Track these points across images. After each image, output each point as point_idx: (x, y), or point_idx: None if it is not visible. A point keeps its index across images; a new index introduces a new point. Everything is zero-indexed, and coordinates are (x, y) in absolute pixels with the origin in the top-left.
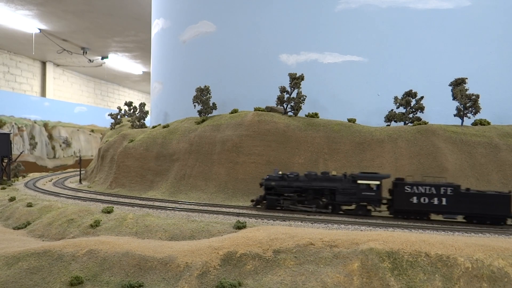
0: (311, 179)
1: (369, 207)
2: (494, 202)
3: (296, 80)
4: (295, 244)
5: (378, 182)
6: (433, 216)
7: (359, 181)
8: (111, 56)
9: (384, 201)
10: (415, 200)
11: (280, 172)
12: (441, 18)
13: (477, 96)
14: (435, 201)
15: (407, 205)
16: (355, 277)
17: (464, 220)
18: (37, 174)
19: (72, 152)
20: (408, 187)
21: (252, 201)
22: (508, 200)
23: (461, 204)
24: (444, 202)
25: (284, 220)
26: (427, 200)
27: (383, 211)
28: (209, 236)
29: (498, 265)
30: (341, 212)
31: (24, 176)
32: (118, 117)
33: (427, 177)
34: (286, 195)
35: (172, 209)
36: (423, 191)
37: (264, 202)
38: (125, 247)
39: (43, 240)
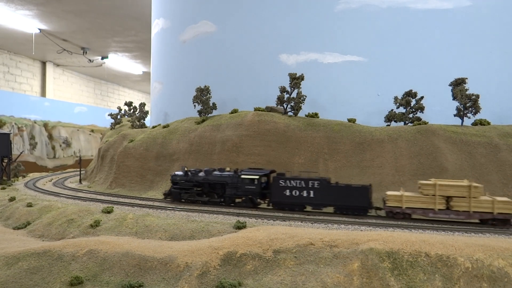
0: (208, 174)
1: (259, 200)
2: (356, 194)
3: (296, 80)
4: (295, 244)
5: (257, 177)
6: (307, 208)
7: (243, 176)
8: (111, 56)
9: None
10: (288, 193)
11: (186, 169)
12: (441, 18)
13: (477, 96)
14: (305, 193)
15: (282, 198)
16: (355, 277)
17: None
18: (37, 174)
19: (72, 152)
20: (282, 181)
21: (164, 194)
22: (367, 192)
23: (328, 196)
24: (312, 195)
25: (284, 220)
26: (297, 193)
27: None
28: (209, 236)
29: (498, 265)
30: (232, 204)
31: (24, 176)
32: (118, 117)
33: (303, 172)
34: (188, 189)
35: (172, 209)
36: (294, 184)
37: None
38: (125, 247)
39: (43, 240)
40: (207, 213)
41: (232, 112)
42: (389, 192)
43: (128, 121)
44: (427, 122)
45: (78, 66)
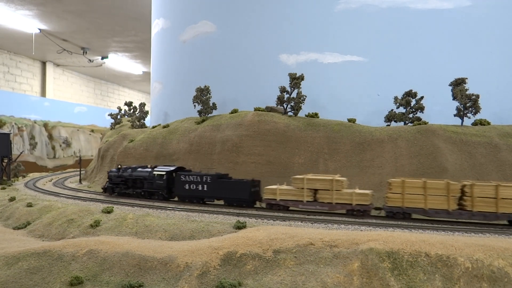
0: (133, 171)
1: (174, 193)
2: (239, 188)
3: (296, 80)
4: (295, 244)
5: (164, 173)
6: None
7: (154, 173)
8: (111, 56)
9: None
10: (187, 187)
11: (119, 166)
12: (441, 18)
13: (477, 96)
14: (200, 187)
15: (183, 191)
16: (355, 277)
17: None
18: (37, 174)
19: (72, 152)
20: (182, 177)
21: (102, 188)
22: (248, 186)
23: (218, 190)
24: (205, 188)
25: (284, 220)
26: (195, 187)
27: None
28: (209, 236)
29: (498, 265)
30: (149, 197)
31: (24, 176)
32: (118, 117)
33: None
34: (118, 184)
35: (172, 209)
36: (192, 179)
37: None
38: (125, 247)
39: (43, 240)
40: (207, 213)
41: (232, 112)
42: (267, 186)
43: (128, 121)
44: (427, 122)
45: (78, 66)
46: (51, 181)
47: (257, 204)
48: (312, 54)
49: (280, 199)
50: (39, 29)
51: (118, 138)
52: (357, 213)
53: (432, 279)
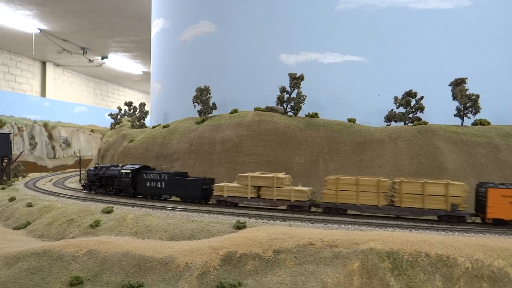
0: (107, 170)
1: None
2: (192, 185)
3: (296, 80)
4: (295, 244)
5: (129, 171)
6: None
7: (121, 171)
8: (111, 56)
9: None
10: (148, 184)
11: (97, 165)
12: (441, 18)
13: (477, 96)
14: (158, 185)
15: (144, 188)
16: (355, 277)
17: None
18: (37, 174)
19: (72, 152)
20: (144, 174)
21: (81, 185)
22: (199, 184)
23: (173, 187)
24: (163, 186)
25: (284, 220)
26: (154, 184)
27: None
28: (209, 236)
29: (498, 265)
30: (123, 194)
31: (24, 176)
32: (118, 117)
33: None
34: (94, 181)
35: (172, 209)
36: (152, 177)
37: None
38: (125, 247)
39: (43, 240)
40: (207, 213)
41: (232, 112)
42: (216, 184)
43: (128, 121)
44: (427, 122)
45: (78, 66)
46: (51, 181)
47: (210, 201)
48: (312, 54)
49: (228, 196)
50: (39, 29)
51: (118, 138)
52: (296, 209)
53: (432, 279)
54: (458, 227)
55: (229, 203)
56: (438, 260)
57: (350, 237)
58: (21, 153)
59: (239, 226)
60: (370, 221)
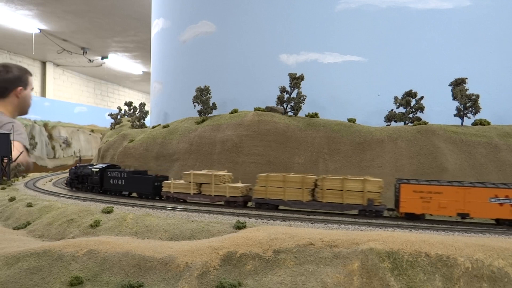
0: (84, 168)
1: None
2: (145, 182)
3: (296, 80)
4: (295, 244)
5: (97, 170)
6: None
7: (92, 169)
8: (111, 56)
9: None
10: (111, 181)
11: (77, 164)
12: (441, 18)
13: (477, 96)
14: (120, 182)
15: (109, 185)
16: (355, 277)
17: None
18: (37, 174)
19: (72, 152)
20: (109, 172)
21: (64, 183)
22: (151, 181)
23: (131, 184)
24: (123, 183)
25: (284, 220)
26: (116, 181)
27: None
28: (209, 236)
29: (498, 265)
30: (94, 190)
31: (24, 176)
32: (118, 117)
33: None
34: (74, 179)
35: (172, 209)
36: (114, 175)
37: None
38: (125, 247)
39: (43, 240)
40: (207, 213)
41: (232, 112)
42: (165, 181)
43: (128, 121)
44: (427, 122)
45: (78, 66)
46: (51, 181)
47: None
48: (312, 54)
49: (174, 192)
50: (39, 29)
51: (118, 138)
52: (232, 204)
53: (432, 279)
54: (458, 227)
55: (175, 199)
56: (438, 260)
57: (350, 237)
58: (21, 153)
59: (239, 226)
60: (370, 221)
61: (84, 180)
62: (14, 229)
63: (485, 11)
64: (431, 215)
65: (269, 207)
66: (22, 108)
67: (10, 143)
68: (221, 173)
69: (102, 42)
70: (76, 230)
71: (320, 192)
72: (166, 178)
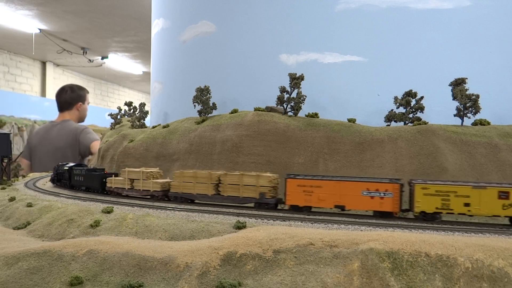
0: (63, 166)
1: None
2: (95, 178)
3: (296, 80)
4: (295, 244)
5: (67, 168)
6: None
7: (64, 168)
8: (111, 56)
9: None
10: (76, 178)
11: (59, 164)
12: (441, 18)
13: (477, 96)
14: (80, 178)
15: (74, 182)
16: (355, 277)
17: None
18: (37, 174)
19: None
20: (74, 170)
21: (50, 180)
22: (99, 178)
23: (87, 180)
24: (82, 179)
25: (284, 220)
26: (79, 178)
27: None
28: (209, 236)
29: (498, 265)
30: (68, 187)
31: (24, 176)
32: (118, 117)
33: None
34: (54, 177)
35: (172, 209)
36: (78, 172)
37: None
38: (125, 247)
39: (43, 240)
40: (207, 213)
41: (232, 112)
42: (109, 178)
43: (128, 121)
44: (427, 122)
45: (78, 66)
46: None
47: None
48: (312, 54)
49: (114, 187)
50: (39, 29)
51: (118, 138)
52: (155, 197)
53: (432, 279)
54: (458, 227)
55: (115, 193)
56: (438, 260)
57: (350, 237)
58: (21, 153)
59: (239, 226)
60: (370, 221)
61: (60, 177)
62: (14, 229)
63: (485, 11)
64: (311, 207)
65: (183, 200)
66: (80, 118)
67: (10, 143)
68: (150, 170)
69: (102, 42)
70: (76, 230)
71: (222, 187)
72: (114, 175)
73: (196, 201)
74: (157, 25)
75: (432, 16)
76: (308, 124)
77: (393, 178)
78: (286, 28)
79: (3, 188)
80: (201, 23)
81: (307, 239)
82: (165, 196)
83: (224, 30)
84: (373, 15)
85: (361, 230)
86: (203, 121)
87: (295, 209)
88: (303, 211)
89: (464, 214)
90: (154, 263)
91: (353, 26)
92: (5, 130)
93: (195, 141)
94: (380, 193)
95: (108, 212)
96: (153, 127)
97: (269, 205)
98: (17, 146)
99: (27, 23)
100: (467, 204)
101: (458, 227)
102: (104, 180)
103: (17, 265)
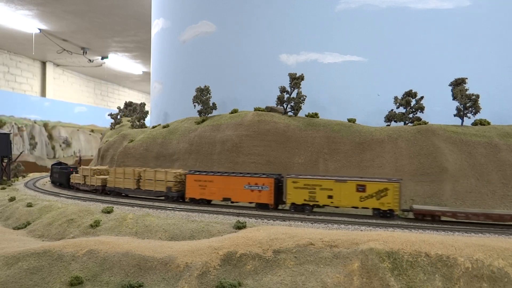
0: (53, 166)
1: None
2: (64, 175)
3: (296, 80)
4: (295, 244)
5: (52, 166)
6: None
7: (53, 166)
8: (111, 56)
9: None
10: (55, 175)
11: (56, 162)
12: (441, 18)
13: (477, 96)
14: (57, 175)
15: (55, 179)
16: (355, 277)
17: None
18: (37, 174)
19: (72, 152)
20: (55, 168)
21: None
22: (67, 175)
23: (60, 177)
24: (57, 176)
25: (284, 220)
26: (56, 175)
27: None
28: (209, 236)
29: (498, 265)
30: (55, 184)
31: (24, 176)
32: (118, 117)
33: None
34: (55, 175)
35: (172, 209)
36: (56, 170)
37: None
38: (125, 247)
39: (43, 240)
40: (207, 213)
41: (232, 112)
42: (72, 174)
43: (128, 121)
44: (427, 122)
45: (78, 66)
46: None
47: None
48: (312, 54)
49: (74, 182)
50: (39, 29)
51: (118, 138)
52: (97, 191)
53: (432, 279)
54: (458, 227)
55: (75, 188)
56: (438, 260)
57: (350, 237)
58: (21, 153)
59: (239, 226)
60: (370, 221)
61: (50, 174)
62: (14, 229)
63: (485, 11)
64: (208, 200)
65: (115, 193)
66: None
67: (10, 143)
68: (98, 167)
69: (102, 42)
70: (76, 230)
71: (142, 182)
72: (69, 172)
73: (123, 194)
74: (157, 25)
75: (432, 16)
76: (308, 124)
77: (275, 173)
78: (286, 28)
79: (3, 188)
80: (201, 23)
81: (307, 239)
82: (103, 190)
83: (224, 30)
84: (373, 15)
85: (361, 230)
86: (203, 121)
87: (193, 201)
88: (199, 203)
89: (328, 205)
90: (154, 263)
91: (353, 26)
92: (5, 130)
93: (195, 141)
94: (258, 187)
95: (108, 212)
96: (153, 127)
97: (173, 197)
98: (17, 146)
99: (27, 23)
100: (330, 197)
101: (458, 227)
102: (69, 177)
103: (17, 265)
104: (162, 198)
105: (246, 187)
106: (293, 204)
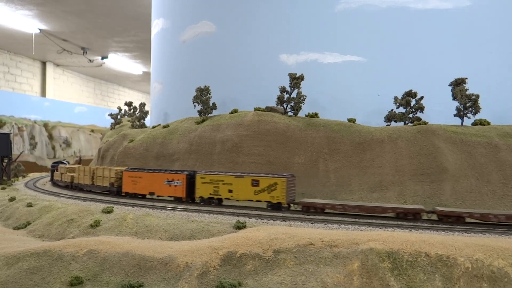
0: (53, 164)
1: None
2: (52, 172)
3: (296, 80)
4: (295, 244)
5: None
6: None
7: (52, 164)
8: (111, 56)
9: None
10: (51, 173)
11: (55, 161)
12: (441, 18)
13: (477, 96)
14: (51, 172)
15: (51, 176)
16: (355, 277)
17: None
18: (37, 174)
19: (72, 152)
20: (52, 167)
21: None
22: (52, 172)
23: (52, 174)
24: (51, 173)
25: (284, 220)
26: (51, 173)
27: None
28: (209, 236)
29: (498, 265)
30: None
31: (24, 176)
32: (118, 117)
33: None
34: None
35: (172, 209)
36: (53, 170)
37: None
38: (125, 247)
39: (43, 240)
40: (207, 213)
41: (232, 112)
42: (54, 172)
43: (128, 121)
44: (427, 122)
45: (78, 66)
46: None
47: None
48: (312, 54)
49: (55, 179)
50: (39, 29)
51: (118, 138)
52: (68, 187)
53: (432, 279)
54: (458, 227)
55: (56, 184)
56: (438, 260)
57: (350, 237)
58: (21, 153)
59: (239, 226)
60: (370, 221)
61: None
62: (14, 229)
63: (485, 11)
64: (137, 193)
65: (78, 188)
66: None
67: (10, 143)
68: (72, 166)
69: (102, 42)
70: (76, 230)
71: (95, 178)
72: (57, 170)
73: (84, 189)
74: (157, 25)
75: (432, 16)
76: (308, 124)
77: (191, 170)
78: (286, 28)
79: (3, 188)
80: (201, 23)
81: (307, 239)
82: (71, 186)
83: (224, 30)
84: (373, 15)
85: (361, 230)
86: (203, 121)
87: (129, 195)
88: (133, 197)
89: (229, 199)
90: (154, 263)
91: (353, 26)
92: (5, 130)
93: (195, 141)
94: (174, 182)
95: (108, 212)
96: (153, 127)
97: (114, 192)
98: (17, 146)
99: (27, 23)
100: (230, 191)
101: (458, 227)
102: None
103: (17, 265)
104: (107, 192)
105: (166, 182)
106: (201, 197)
